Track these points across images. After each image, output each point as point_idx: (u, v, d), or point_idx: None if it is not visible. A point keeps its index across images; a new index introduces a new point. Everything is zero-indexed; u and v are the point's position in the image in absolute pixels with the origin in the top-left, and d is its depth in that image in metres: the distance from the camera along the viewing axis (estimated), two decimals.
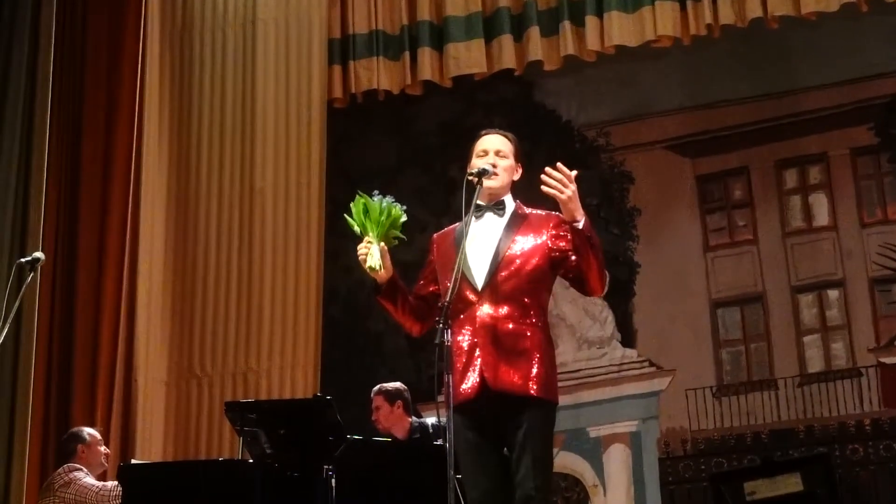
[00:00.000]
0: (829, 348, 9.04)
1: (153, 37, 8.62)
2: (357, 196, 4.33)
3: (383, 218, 4.26)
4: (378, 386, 6.84)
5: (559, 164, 4.16)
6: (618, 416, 9.29)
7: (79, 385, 8.03)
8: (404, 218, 4.32)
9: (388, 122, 9.93)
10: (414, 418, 6.74)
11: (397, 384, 6.86)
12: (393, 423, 6.67)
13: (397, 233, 4.31)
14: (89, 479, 6.59)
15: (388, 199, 4.32)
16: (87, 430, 6.91)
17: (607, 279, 4.33)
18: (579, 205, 4.14)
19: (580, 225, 4.15)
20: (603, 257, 4.27)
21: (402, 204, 4.34)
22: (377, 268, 4.24)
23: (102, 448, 6.88)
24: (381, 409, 6.72)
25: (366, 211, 4.28)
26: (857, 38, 8.79)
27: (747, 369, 9.22)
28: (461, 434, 4.14)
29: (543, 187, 4.12)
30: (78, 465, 6.65)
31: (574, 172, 4.17)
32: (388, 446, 6.36)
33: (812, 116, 9.20)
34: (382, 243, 4.27)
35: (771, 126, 9.32)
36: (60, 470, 6.69)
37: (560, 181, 4.11)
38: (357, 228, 4.31)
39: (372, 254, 4.24)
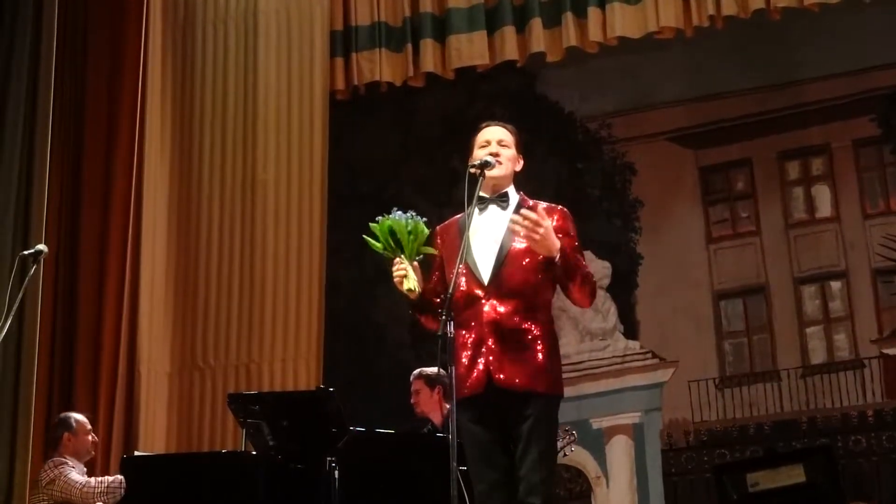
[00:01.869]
0: (832, 339, 9.05)
1: (155, 29, 8.61)
2: (382, 218, 4.24)
3: (412, 237, 4.21)
4: (418, 370, 6.79)
5: (524, 211, 4.11)
6: (620, 408, 9.31)
7: (82, 377, 8.03)
8: (427, 232, 4.25)
9: (391, 114, 9.94)
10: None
11: (437, 369, 6.79)
12: (432, 408, 6.64)
13: (428, 249, 4.27)
14: (74, 475, 6.52)
15: (409, 214, 4.25)
16: (75, 417, 6.83)
17: (594, 295, 4.31)
18: (553, 238, 4.12)
19: (557, 258, 4.13)
20: (587, 277, 4.24)
21: (422, 217, 4.26)
22: (416, 289, 4.20)
23: (90, 437, 6.81)
24: (420, 394, 6.68)
25: (391, 231, 4.21)
26: (859, 28, 8.78)
27: (750, 361, 9.23)
28: (466, 427, 4.16)
29: (515, 226, 4.10)
30: (63, 459, 6.58)
31: (544, 205, 4.19)
32: (391, 438, 6.36)
33: (815, 108, 9.20)
34: (414, 262, 4.24)
35: (773, 117, 9.32)
36: (46, 465, 6.62)
37: (534, 222, 4.08)
38: (381, 249, 4.24)
39: (409, 276, 4.19)
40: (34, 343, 7.51)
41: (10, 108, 7.90)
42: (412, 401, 6.72)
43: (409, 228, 4.20)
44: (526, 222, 4.08)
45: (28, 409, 7.44)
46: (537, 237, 4.09)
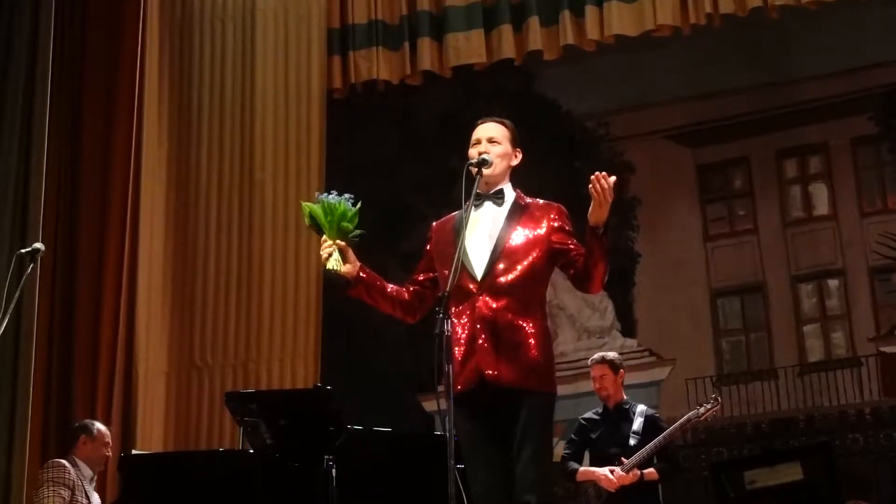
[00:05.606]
0: (829, 337, 9.07)
1: (153, 27, 8.61)
2: (302, 205, 4.44)
3: (329, 217, 4.33)
4: (599, 355, 6.78)
5: (605, 176, 4.08)
6: None
7: (79, 376, 8.03)
8: (353, 210, 4.35)
9: (388, 113, 9.94)
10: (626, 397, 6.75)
11: (616, 354, 6.84)
12: (616, 390, 6.66)
13: (350, 226, 4.35)
14: (59, 489, 6.41)
15: (332, 196, 4.38)
16: (98, 426, 6.82)
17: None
18: (608, 209, 4.11)
19: (601, 231, 4.12)
20: (608, 259, 4.23)
21: (352, 197, 4.38)
22: (337, 269, 4.32)
23: (107, 450, 6.77)
24: (605, 378, 6.67)
25: (313, 216, 4.37)
26: (856, 27, 8.79)
27: (747, 359, 9.25)
28: (462, 425, 4.13)
29: (591, 186, 4.06)
30: (64, 463, 6.52)
31: (613, 179, 4.11)
32: (388, 437, 6.36)
33: (812, 106, 9.21)
34: (340, 241, 4.33)
35: (771, 116, 9.33)
36: (48, 464, 6.59)
37: (608, 190, 4.06)
38: (308, 225, 4.42)
39: (335, 257, 4.32)
40: (31, 342, 7.51)
41: (7, 106, 7.90)
42: (595, 387, 6.70)
43: (327, 210, 4.34)
44: (603, 184, 4.05)
45: (25, 408, 7.44)
46: (605, 204, 4.07)
